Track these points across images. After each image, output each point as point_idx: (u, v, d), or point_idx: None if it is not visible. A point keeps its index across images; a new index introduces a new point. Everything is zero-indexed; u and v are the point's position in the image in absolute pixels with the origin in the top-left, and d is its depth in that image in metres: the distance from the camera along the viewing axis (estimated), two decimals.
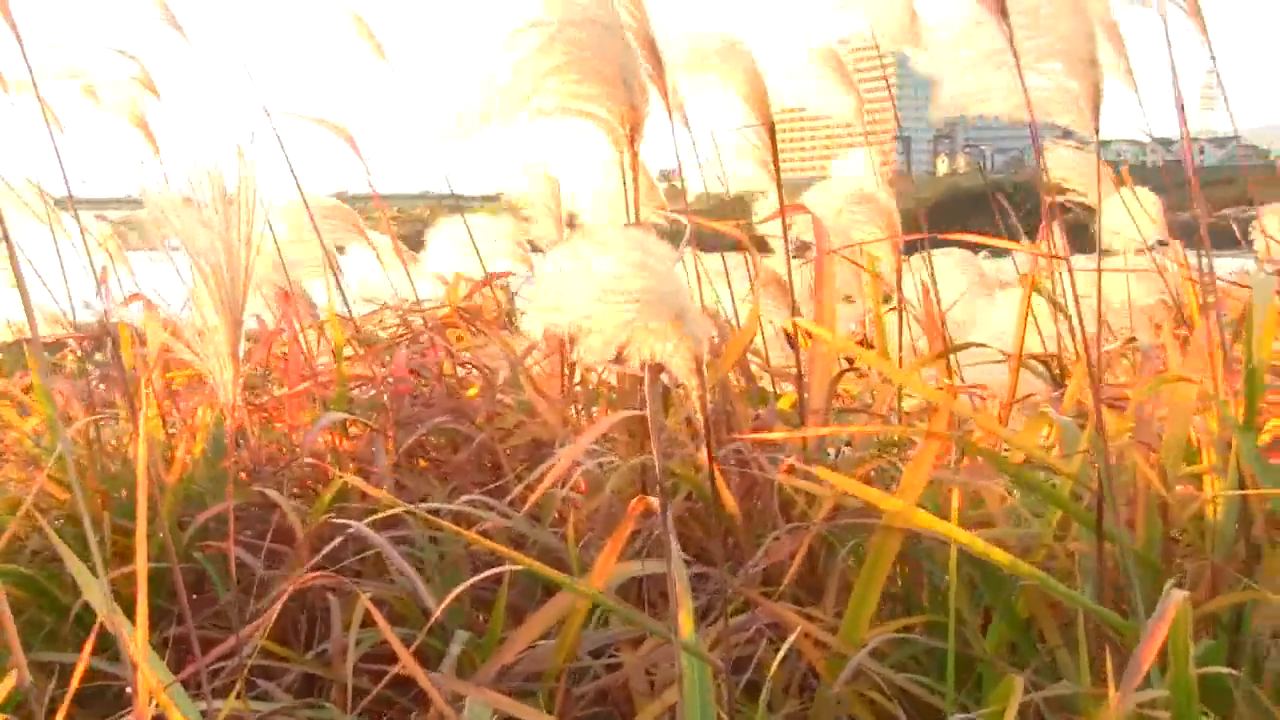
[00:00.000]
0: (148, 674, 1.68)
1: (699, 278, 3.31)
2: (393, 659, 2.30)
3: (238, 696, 1.98)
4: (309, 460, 3.27)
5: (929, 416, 2.18)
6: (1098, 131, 2.01)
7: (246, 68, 3.74)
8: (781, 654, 2.03)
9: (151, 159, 3.65)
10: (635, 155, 1.98)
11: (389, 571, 2.74)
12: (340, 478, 2.84)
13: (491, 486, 2.99)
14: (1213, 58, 2.48)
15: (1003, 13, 1.96)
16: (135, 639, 1.69)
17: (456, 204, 4.16)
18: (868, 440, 2.88)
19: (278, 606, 2.16)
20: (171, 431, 3.45)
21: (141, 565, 1.66)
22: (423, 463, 3.45)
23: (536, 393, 3.34)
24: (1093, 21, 1.98)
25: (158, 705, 1.72)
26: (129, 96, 3.61)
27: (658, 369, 1.88)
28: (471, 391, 3.74)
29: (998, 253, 4.72)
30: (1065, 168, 3.73)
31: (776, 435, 2.59)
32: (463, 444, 3.38)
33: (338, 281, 3.92)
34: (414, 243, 4.39)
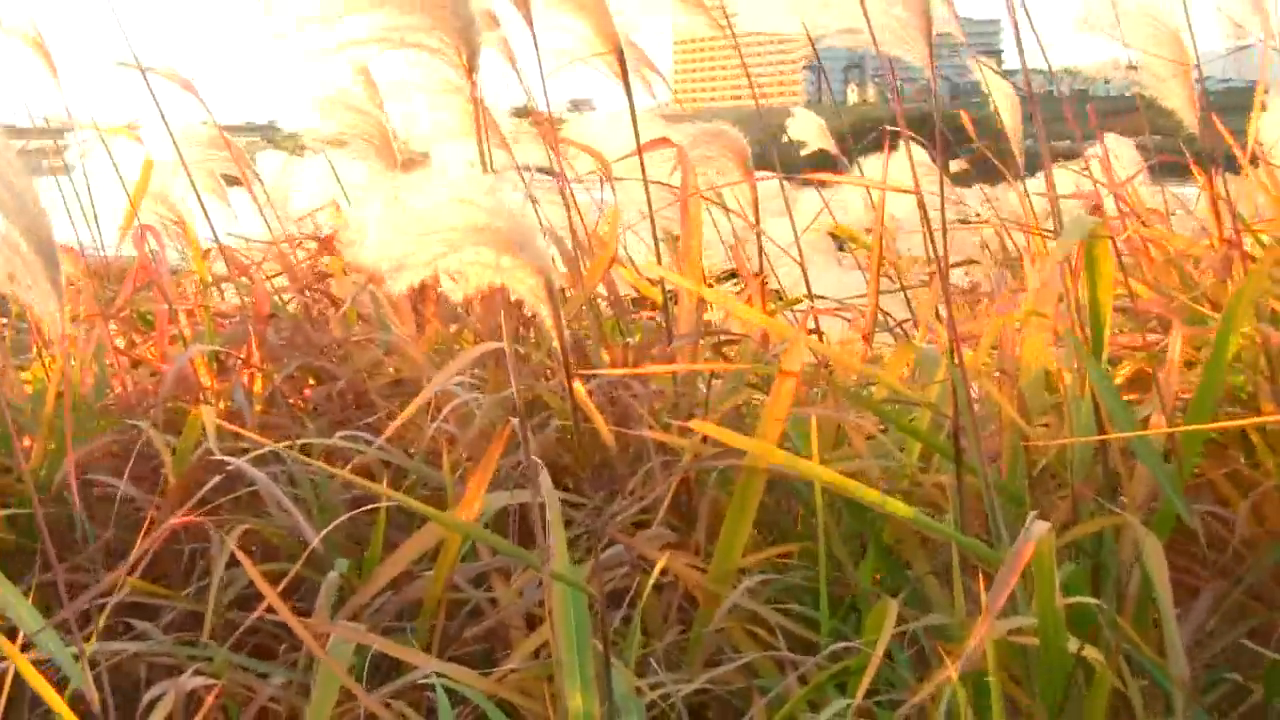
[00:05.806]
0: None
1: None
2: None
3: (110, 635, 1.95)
4: (177, 399, 3.20)
5: (784, 353, 2.19)
6: (932, 60, 2.06)
7: None
8: (652, 581, 2.05)
9: None
10: (474, 85, 1.96)
11: (265, 509, 2.71)
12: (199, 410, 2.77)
13: (363, 424, 2.96)
14: None
15: None
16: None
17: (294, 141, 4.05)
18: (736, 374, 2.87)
19: (153, 543, 2.14)
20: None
21: None
22: (292, 401, 3.39)
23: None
24: None
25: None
26: None
27: (516, 303, 1.87)
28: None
29: None
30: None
31: (644, 370, 2.58)
32: (327, 381, 3.34)
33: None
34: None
